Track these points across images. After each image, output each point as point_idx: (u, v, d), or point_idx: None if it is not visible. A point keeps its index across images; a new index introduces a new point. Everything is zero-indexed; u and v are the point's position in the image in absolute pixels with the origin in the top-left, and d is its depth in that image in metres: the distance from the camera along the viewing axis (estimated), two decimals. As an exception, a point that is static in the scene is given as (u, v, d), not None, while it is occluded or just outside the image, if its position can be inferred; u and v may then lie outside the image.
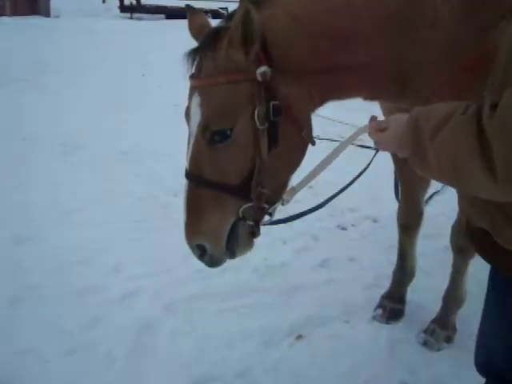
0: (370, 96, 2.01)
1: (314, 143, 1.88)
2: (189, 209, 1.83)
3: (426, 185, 2.97)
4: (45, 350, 2.77)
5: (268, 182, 1.81)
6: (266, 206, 1.85)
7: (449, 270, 3.09)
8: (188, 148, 1.83)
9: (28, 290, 3.27)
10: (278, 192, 1.88)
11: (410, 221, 3.05)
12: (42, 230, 4.07)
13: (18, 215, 4.30)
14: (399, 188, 2.98)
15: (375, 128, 1.60)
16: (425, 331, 2.98)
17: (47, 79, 9.94)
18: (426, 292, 3.39)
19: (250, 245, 1.95)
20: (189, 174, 1.82)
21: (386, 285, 3.39)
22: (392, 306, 3.15)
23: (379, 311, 3.16)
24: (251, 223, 1.86)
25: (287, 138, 1.78)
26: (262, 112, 1.71)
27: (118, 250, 3.77)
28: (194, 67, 1.80)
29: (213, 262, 1.92)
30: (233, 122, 1.73)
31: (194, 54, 1.79)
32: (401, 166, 2.83)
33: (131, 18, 26.50)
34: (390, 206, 4.53)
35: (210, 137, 1.74)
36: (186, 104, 1.87)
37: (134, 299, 3.22)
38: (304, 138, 1.83)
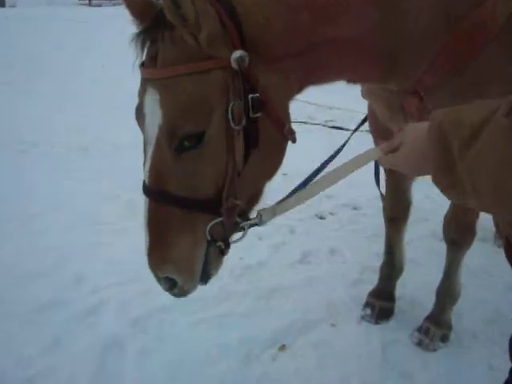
0: (354, 77, 1.74)
1: (294, 140, 1.57)
2: (151, 231, 1.50)
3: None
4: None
5: (242, 192, 1.51)
6: (239, 221, 1.55)
7: (438, 258, 2.86)
8: (145, 157, 1.49)
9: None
10: (252, 203, 1.61)
11: (397, 213, 2.77)
12: (-4, 238, 3.71)
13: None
14: (380, 174, 2.72)
15: (386, 150, 1.32)
16: (418, 330, 2.74)
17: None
18: (417, 285, 3.16)
19: (220, 265, 1.68)
20: (149, 190, 1.48)
21: (371, 279, 3.15)
22: (381, 304, 2.89)
23: (368, 311, 2.90)
24: (221, 244, 1.56)
25: (267, 137, 1.48)
26: (238, 108, 1.39)
27: (81, 257, 3.42)
28: (146, 54, 1.46)
29: (183, 294, 1.61)
30: (204, 123, 1.40)
31: (144, 36, 1.43)
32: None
33: (90, 4, 25.77)
34: (369, 191, 4.31)
35: (178, 144, 1.41)
36: (137, 102, 1.53)
37: (99, 314, 2.88)
38: (285, 135, 1.53)
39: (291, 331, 2.77)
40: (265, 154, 1.51)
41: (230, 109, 1.39)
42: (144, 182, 1.50)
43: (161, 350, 2.64)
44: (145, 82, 1.46)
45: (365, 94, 2.28)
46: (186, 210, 1.48)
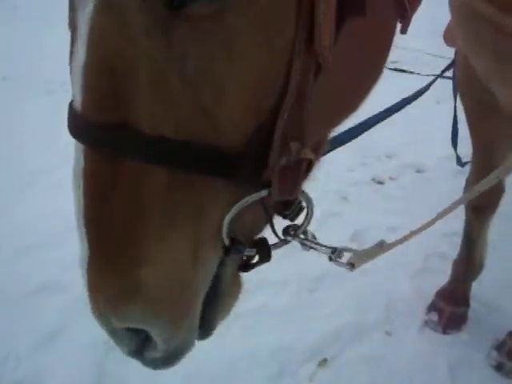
0: None
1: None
2: (98, 226, 0.74)
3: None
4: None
5: (311, 131, 0.79)
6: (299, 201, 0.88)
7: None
8: (75, 61, 0.71)
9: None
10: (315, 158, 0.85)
11: (485, 201, 2.08)
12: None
13: None
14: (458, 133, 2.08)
15: None
16: (498, 349, 2.15)
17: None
18: (496, 282, 2.52)
19: (236, 299, 0.93)
20: (92, 129, 0.71)
21: (438, 268, 2.56)
22: (452, 309, 2.30)
23: (434, 316, 2.32)
24: (247, 252, 0.86)
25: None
26: None
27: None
28: None
29: (168, 360, 0.88)
30: None
31: None
32: (479, 113, 1.89)
33: None
34: (436, 149, 3.65)
35: None
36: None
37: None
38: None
39: (336, 339, 2.23)
40: (369, 34, 0.80)
41: None
42: (75, 109, 0.73)
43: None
44: None
45: (460, 37, 1.60)
46: (182, 175, 0.72)
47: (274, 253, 0.92)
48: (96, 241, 0.75)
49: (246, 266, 0.91)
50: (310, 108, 0.76)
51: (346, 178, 3.56)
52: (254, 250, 0.88)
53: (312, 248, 0.95)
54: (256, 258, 0.91)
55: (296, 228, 0.92)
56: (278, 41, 0.70)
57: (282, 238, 0.93)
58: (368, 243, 2.85)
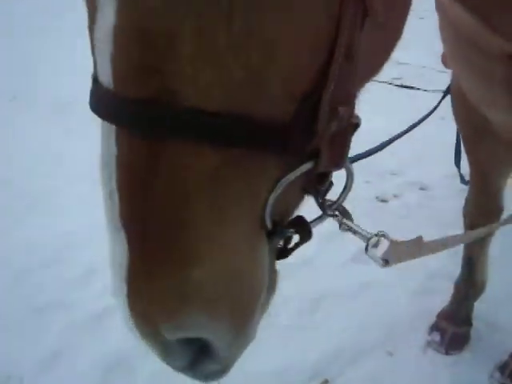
0: None
1: None
2: (139, 227, 0.65)
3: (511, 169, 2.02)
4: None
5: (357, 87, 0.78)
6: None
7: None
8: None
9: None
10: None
11: (483, 220, 2.07)
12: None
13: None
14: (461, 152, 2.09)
15: None
16: (501, 369, 2.12)
17: None
18: (499, 300, 2.50)
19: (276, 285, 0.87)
20: (127, 105, 0.61)
21: (442, 288, 2.54)
22: (454, 329, 2.28)
23: (436, 336, 2.30)
24: (291, 232, 0.80)
25: None
26: None
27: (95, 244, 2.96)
28: None
29: (229, 366, 0.79)
30: None
31: None
32: (474, 139, 1.89)
33: None
34: (440, 168, 3.63)
35: None
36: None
37: (105, 322, 2.42)
38: None
39: (336, 360, 2.21)
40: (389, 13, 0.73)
41: None
42: (105, 89, 0.63)
43: (176, 375, 2.15)
44: None
45: (450, 60, 1.61)
46: (229, 154, 0.65)
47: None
48: (138, 241, 0.64)
49: (284, 251, 0.83)
50: (358, 66, 0.70)
51: (349, 196, 3.52)
52: (294, 230, 0.80)
53: (350, 230, 0.87)
54: (292, 241, 0.83)
55: (332, 204, 0.84)
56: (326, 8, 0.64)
57: (324, 212, 0.84)
58: (370, 263, 2.83)
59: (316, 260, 2.86)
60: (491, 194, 2.03)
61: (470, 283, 2.29)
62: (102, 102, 0.63)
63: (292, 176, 0.71)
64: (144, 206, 0.63)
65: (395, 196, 3.61)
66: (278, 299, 2.54)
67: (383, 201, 3.57)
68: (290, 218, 0.81)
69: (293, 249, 0.83)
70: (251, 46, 0.60)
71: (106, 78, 0.61)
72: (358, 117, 0.75)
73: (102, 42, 0.60)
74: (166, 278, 0.65)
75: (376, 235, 0.84)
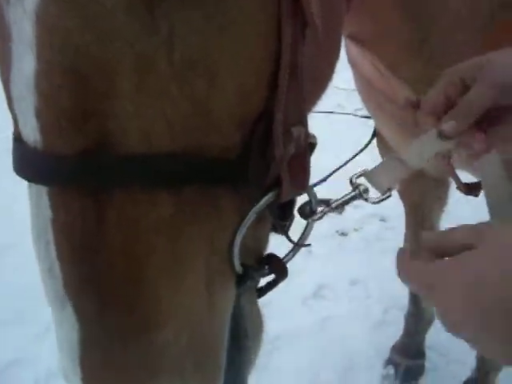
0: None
1: None
2: (88, 298, 0.57)
3: (443, 203, 2.10)
4: None
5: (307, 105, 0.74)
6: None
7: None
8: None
9: None
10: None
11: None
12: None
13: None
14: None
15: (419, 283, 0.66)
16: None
17: None
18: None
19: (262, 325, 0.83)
20: (60, 163, 0.53)
21: (398, 320, 2.59)
22: (407, 362, 2.33)
23: (390, 370, 2.35)
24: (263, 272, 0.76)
25: None
26: None
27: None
28: None
29: None
30: None
31: None
32: (406, 181, 1.96)
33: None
34: (397, 198, 3.73)
35: None
36: None
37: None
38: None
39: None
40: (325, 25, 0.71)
41: None
42: (32, 149, 0.54)
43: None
44: None
45: (370, 110, 1.61)
46: (183, 196, 0.59)
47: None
48: (89, 313, 0.56)
49: (259, 291, 0.79)
50: (304, 82, 0.67)
51: (313, 230, 3.61)
52: (267, 269, 0.75)
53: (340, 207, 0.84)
54: (263, 281, 0.79)
55: (311, 206, 0.81)
56: (268, 4, 0.60)
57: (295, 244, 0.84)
58: (329, 299, 2.89)
59: (276, 298, 2.90)
60: (427, 229, 2.11)
61: (417, 317, 2.35)
62: (30, 163, 0.54)
63: (254, 213, 0.66)
64: (91, 273, 0.55)
65: (355, 229, 3.69)
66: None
67: (343, 234, 3.63)
68: (261, 257, 0.76)
69: (267, 288, 0.80)
70: (194, 75, 0.55)
71: (33, 136, 0.53)
72: (314, 136, 0.73)
73: (23, 92, 0.51)
74: (127, 350, 0.57)
75: (359, 185, 0.81)
